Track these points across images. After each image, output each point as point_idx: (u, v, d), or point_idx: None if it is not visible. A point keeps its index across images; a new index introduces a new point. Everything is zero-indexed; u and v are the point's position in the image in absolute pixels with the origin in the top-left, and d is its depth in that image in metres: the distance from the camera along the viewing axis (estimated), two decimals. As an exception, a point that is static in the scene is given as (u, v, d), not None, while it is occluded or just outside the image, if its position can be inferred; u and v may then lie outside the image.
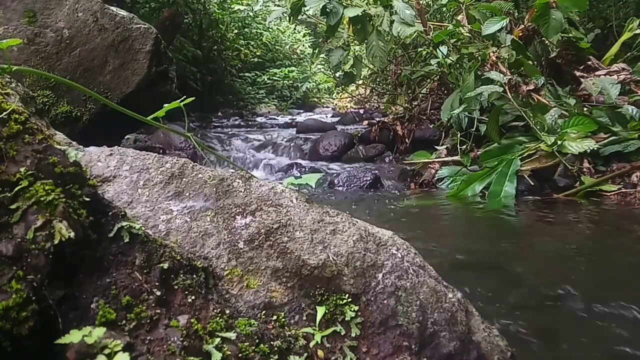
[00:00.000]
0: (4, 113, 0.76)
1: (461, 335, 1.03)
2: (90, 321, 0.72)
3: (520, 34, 4.32)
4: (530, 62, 4.36)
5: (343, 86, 7.40)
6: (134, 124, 4.17)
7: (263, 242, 1.02)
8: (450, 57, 4.80)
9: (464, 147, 4.22)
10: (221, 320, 0.84)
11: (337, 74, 6.50)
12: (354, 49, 6.36)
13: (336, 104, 13.77)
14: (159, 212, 1.04)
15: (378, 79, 8.53)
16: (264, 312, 0.95)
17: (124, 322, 0.74)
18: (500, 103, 4.00)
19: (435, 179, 4.14)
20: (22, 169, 0.72)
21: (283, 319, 0.95)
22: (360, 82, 7.74)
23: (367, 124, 6.61)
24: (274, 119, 10.30)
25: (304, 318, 0.97)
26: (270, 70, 14.10)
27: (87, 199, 0.78)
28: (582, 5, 4.16)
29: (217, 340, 0.80)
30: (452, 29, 4.68)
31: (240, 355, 0.81)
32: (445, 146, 4.55)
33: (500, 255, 2.37)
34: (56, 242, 0.69)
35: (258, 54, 13.79)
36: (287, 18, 5.45)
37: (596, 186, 3.42)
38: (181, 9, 9.18)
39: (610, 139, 3.71)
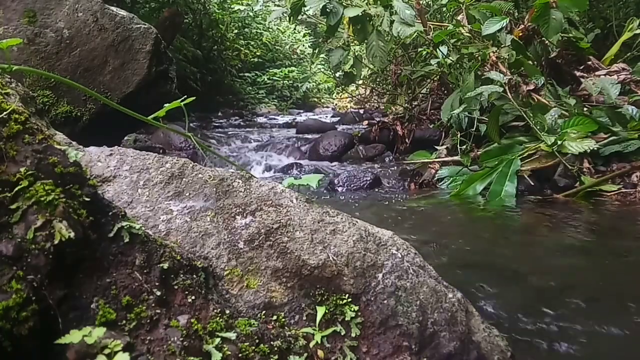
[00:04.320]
0: (4, 113, 0.76)
1: (461, 335, 1.03)
2: (90, 321, 0.72)
3: (520, 34, 4.32)
4: (530, 62, 4.36)
5: (343, 86, 7.39)
6: (134, 124, 4.17)
7: (263, 242, 1.02)
8: (450, 57, 4.80)
9: (464, 147, 4.22)
10: (221, 320, 0.84)
11: (337, 74, 6.50)
12: (354, 49, 6.37)
13: (336, 104, 13.78)
14: (159, 212, 1.04)
15: (378, 79, 8.53)
16: (264, 312, 0.95)
17: (124, 322, 0.74)
18: (500, 103, 4.00)
19: (435, 179, 4.14)
20: (22, 169, 0.72)
21: (283, 319, 0.95)
22: (360, 82, 7.74)
23: (367, 124, 6.61)
24: (274, 119, 10.30)
25: (304, 318, 0.97)
26: (270, 70, 14.11)
27: (87, 199, 0.78)
28: (582, 5, 4.15)
29: (217, 340, 0.80)
30: (452, 29, 4.68)
31: (240, 355, 0.81)
32: (445, 146, 4.55)
33: (501, 255, 2.37)
34: (56, 242, 0.69)
35: (258, 54, 13.80)
36: (287, 18, 5.45)
37: (596, 186, 3.41)
38: (181, 9, 9.18)
39: (610, 139, 3.71)
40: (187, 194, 1.08)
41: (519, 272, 2.08)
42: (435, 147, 4.67)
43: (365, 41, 4.79)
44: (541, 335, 1.54)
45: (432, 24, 5.16)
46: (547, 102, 4.10)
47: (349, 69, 5.39)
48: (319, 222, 1.07)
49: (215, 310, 0.84)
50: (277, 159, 5.65)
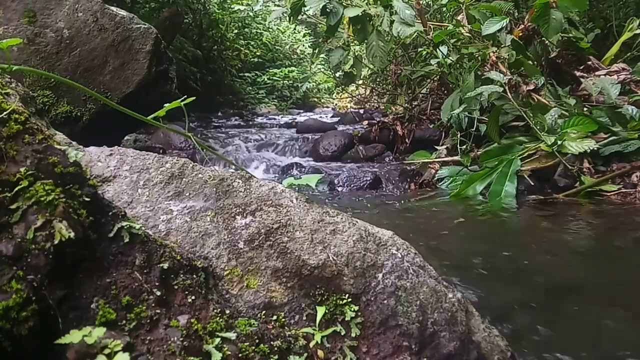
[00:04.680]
0: (4, 113, 0.76)
1: (461, 335, 1.03)
2: (90, 321, 0.72)
3: (520, 34, 4.32)
4: (530, 62, 4.36)
5: (343, 86, 7.40)
6: (134, 124, 4.16)
7: (263, 242, 1.02)
8: (450, 57, 4.80)
9: (464, 147, 4.22)
10: (221, 320, 0.84)
11: (337, 74, 6.50)
12: (354, 49, 6.37)
13: (336, 104, 13.78)
14: (159, 212, 1.04)
15: (378, 79, 8.53)
16: (264, 312, 0.95)
17: (124, 322, 0.74)
18: (500, 103, 4.00)
19: (435, 179, 4.14)
20: (22, 169, 0.72)
21: (283, 319, 0.95)
22: (360, 82, 7.74)
23: (367, 124, 6.60)
24: (274, 119, 10.30)
25: (304, 318, 0.97)
26: (270, 70, 14.11)
27: (87, 199, 0.78)
28: (582, 5, 4.15)
29: (217, 340, 0.80)
30: (452, 29, 4.68)
31: (240, 355, 0.81)
32: (445, 146, 4.55)
33: (500, 255, 2.37)
34: (56, 242, 0.69)
35: (258, 54, 13.80)
36: (287, 18, 5.45)
37: (596, 186, 3.41)
38: (181, 9, 9.17)
39: (610, 139, 3.71)
40: (187, 194, 1.08)
41: (519, 272, 2.08)
42: (435, 147, 4.67)
43: (365, 41, 4.79)
44: (541, 335, 1.54)
45: (432, 24, 5.16)
46: (547, 102, 4.10)
47: (349, 69, 5.39)
48: (319, 222, 1.07)
49: (215, 310, 0.84)
50: (277, 159, 5.64)
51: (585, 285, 1.95)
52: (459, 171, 4.08)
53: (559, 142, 3.57)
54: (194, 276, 0.87)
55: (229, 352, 0.80)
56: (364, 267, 1.03)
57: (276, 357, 0.85)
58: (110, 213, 0.82)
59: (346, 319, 0.97)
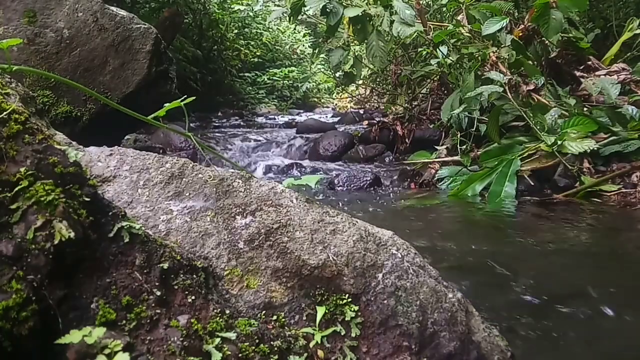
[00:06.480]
0: (4, 113, 0.76)
1: (461, 335, 1.03)
2: (90, 321, 0.72)
3: (520, 34, 4.32)
4: (530, 62, 4.36)
5: (343, 86, 7.40)
6: (134, 124, 4.17)
7: (263, 242, 1.02)
8: (450, 57, 4.80)
9: (464, 147, 4.22)
10: (221, 320, 0.84)
11: (337, 74, 6.50)
12: (354, 49, 6.37)
13: (336, 104, 13.78)
14: (159, 212, 1.04)
15: (378, 79, 8.53)
16: (264, 312, 0.95)
17: (124, 322, 0.74)
18: (500, 103, 4.00)
19: (435, 179, 4.15)
20: (22, 169, 0.72)
21: (283, 319, 0.95)
22: (360, 82, 7.74)
23: (367, 124, 6.60)
24: (274, 119, 10.29)
25: (304, 318, 0.96)
26: (270, 70, 14.11)
27: (87, 199, 0.78)
28: (582, 5, 4.15)
29: (217, 340, 0.80)
30: (452, 29, 4.68)
31: (240, 355, 0.81)
32: (445, 146, 4.56)
33: (500, 255, 2.36)
34: (56, 242, 0.69)
35: (258, 54, 13.80)
36: (287, 18, 5.45)
37: (596, 186, 3.42)
38: (181, 9, 9.17)
39: (610, 139, 3.71)
40: (187, 194, 1.08)
41: (519, 272, 2.08)
42: (435, 147, 4.67)
43: (365, 41, 4.79)
44: (541, 335, 1.54)
45: (432, 24, 5.16)
46: (547, 102, 4.10)
47: (349, 69, 5.39)
48: (319, 222, 1.07)
49: (215, 310, 0.84)
50: (277, 159, 5.64)
51: (585, 286, 1.95)
52: (459, 171, 4.08)
53: (559, 142, 3.57)
54: (194, 276, 0.87)
55: (229, 352, 0.80)
56: (364, 267, 1.03)
57: (276, 357, 0.85)
58: (110, 213, 0.82)
59: (346, 319, 0.97)
